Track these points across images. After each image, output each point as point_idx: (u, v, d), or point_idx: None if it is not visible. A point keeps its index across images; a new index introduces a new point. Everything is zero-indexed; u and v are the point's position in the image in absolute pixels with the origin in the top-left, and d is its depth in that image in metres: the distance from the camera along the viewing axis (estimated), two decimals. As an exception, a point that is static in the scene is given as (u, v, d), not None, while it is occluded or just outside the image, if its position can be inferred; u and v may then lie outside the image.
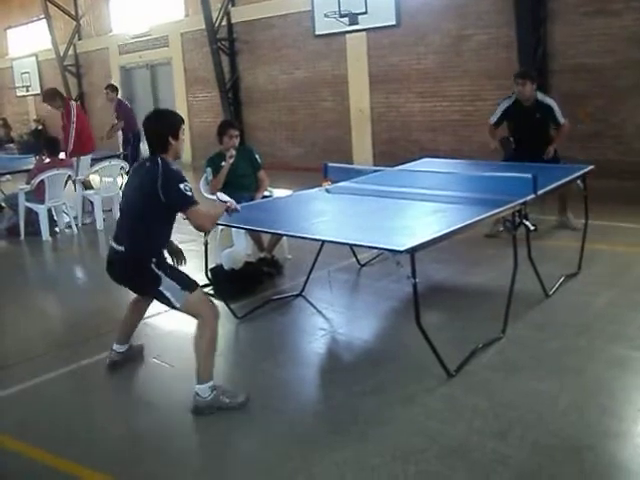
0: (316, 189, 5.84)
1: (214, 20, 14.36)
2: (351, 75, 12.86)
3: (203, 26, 14.49)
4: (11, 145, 18.58)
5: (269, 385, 4.10)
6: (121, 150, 11.79)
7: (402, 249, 3.65)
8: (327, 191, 5.73)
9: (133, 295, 4.33)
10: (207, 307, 3.86)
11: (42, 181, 8.50)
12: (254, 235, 6.32)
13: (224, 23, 14.64)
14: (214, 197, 6.43)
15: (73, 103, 9.76)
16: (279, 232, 5.14)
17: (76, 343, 4.96)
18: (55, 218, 9.07)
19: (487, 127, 7.36)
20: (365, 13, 12.12)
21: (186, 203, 3.78)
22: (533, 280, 5.13)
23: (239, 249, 6.22)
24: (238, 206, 4.28)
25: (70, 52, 19.54)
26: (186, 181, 3.81)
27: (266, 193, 6.72)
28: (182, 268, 4.15)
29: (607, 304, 5.09)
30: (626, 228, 7.21)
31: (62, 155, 9.32)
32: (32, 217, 8.64)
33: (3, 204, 9.92)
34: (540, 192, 4.78)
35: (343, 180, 5.96)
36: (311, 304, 5.53)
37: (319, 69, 13.41)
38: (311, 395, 4.10)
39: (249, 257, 6.27)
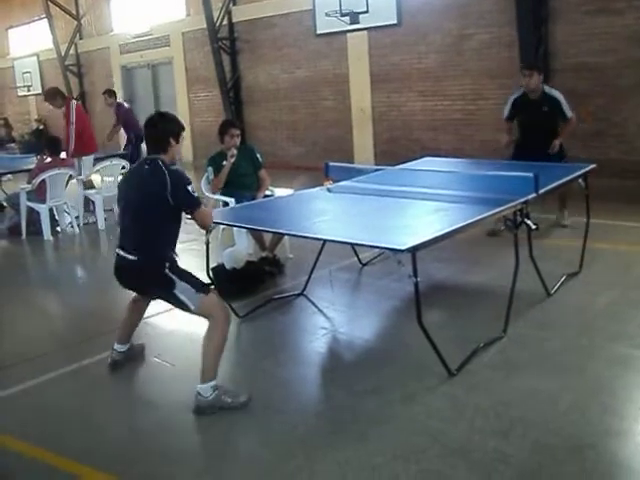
0: (317, 188, 5.84)
1: (215, 19, 14.36)
2: (352, 74, 12.85)
3: (204, 25, 14.50)
4: (12, 145, 18.61)
5: (270, 384, 4.10)
6: (122, 150, 11.79)
7: (403, 248, 3.65)
8: (328, 190, 5.74)
9: (133, 295, 4.34)
10: (220, 309, 3.87)
11: (43, 181, 8.50)
12: (256, 234, 6.32)
13: (225, 22, 14.65)
14: (215, 196, 6.49)
15: (73, 103, 9.73)
16: (280, 231, 5.14)
17: (77, 343, 4.97)
18: (56, 218, 9.08)
19: (502, 123, 7.46)
20: (366, 12, 12.12)
21: (194, 204, 3.87)
22: (534, 279, 5.13)
23: (241, 248, 6.22)
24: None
25: (71, 52, 19.54)
26: (191, 182, 3.87)
27: (267, 192, 6.73)
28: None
29: (608, 303, 5.08)
30: (628, 227, 7.20)
31: (63, 155, 9.33)
32: (34, 217, 8.65)
33: (5, 204, 9.93)
34: (541, 191, 4.78)
35: (344, 179, 5.96)
36: (312, 303, 5.53)
37: (320, 68, 13.40)
38: (312, 394, 4.10)
39: (251, 256, 6.27)
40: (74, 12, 19.32)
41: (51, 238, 8.59)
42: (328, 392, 4.08)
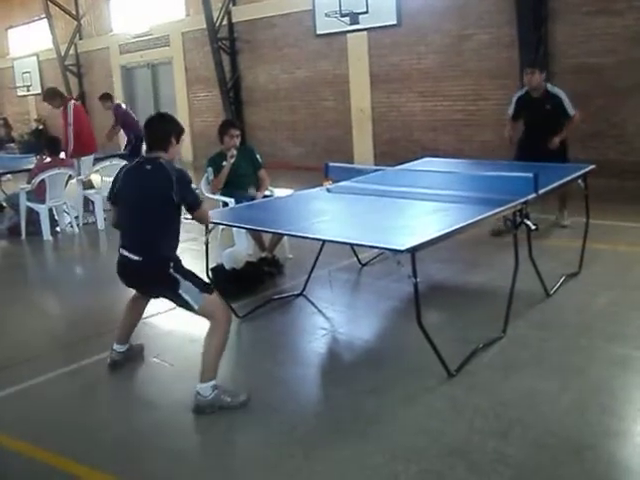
0: (317, 188, 5.84)
1: (215, 19, 14.36)
2: (352, 75, 12.86)
3: (204, 25, 14.50)
4: (12, 145, 18.61)
5: (270, 384, 4.10)
6: (122, 150, 11.77)
7: (403, 248, 3.65)
8: (328, 191, 5.74)
9: (132, 295, 4.34)
10: (222, 310, 3.89)
11: (43, 181, 8.50)
12: (255, 235, 6.32)
13: (225, 22, 14.64)
14: (215, 197, 6.49)
15: (71, 104, 9.65)
16: (280, 232, 5.13)
17: (76, 343, 4.97)
18: (56, 218, 9.07)
19: (507, 122, 7.49)
20: (366, 13, 12.13)
21: (198, 203, 3.96)
22: (534, 280, 5.13)
23: (240, 249, 6.22)
24: None
25: (71, 52, 19.54)
26: (192, 181, 3.94)
27: (267, 193, 6.73)
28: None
29: (608, 304, 5.09)
30: (627, 227, 7.21)
31: (63, 155, 9.32)
32: (33, 217, 8.64)
33: (4, 204, 9.92)
34: (541, 191, 4.78)
35: (344, 180, 5.96)
36: (312, 303, 5.53)
37: (320, 69, 13.41)
38: (312, 394, 4.10)
39: (250, 257, 6.28)
40: (74, 12, 19.32)
41: (50, 238, 8.58)
42: (327, 392, 4.08)
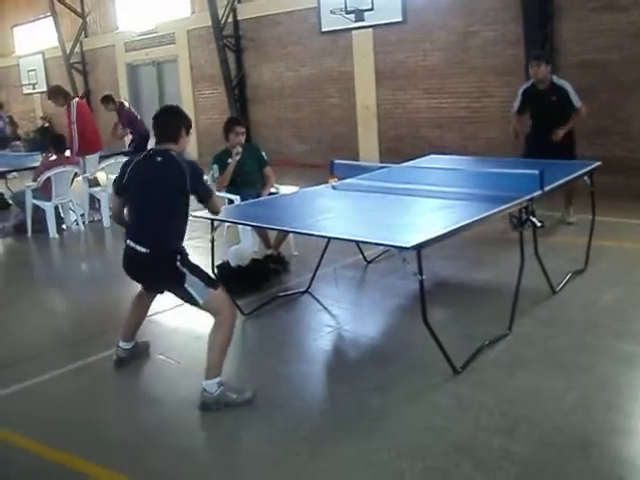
0: (322, 186, 5.84)
1: (220, 17, 14.37)
2: (357, 72, 12.84)
3: (209, 23, 14.51)
4: (17, 142, 18.62)
5: (275, 381, 4.11)
6: (127, 147, 11.73)
7: (408, 246, 3.64)
8: (333, 188, 5.74)
9: (137, 292, 4.35)
10: (228, 306, 3.89)
11: (49, 178, 8.52)
12: (261, 232, 6.32)
13: (230, 20, 14.64)
14: (221, 194, 6.49)
15: (74, 102, 9.64)
16: (285, 229, 5.14)
17: (82, 340, 4.98)
18: (62, 215, 9.09)
19: (512, 118, 7.47)
20: (371, 10, 12.12)
21: (209, 194, 4.07)
22: (540, 277, 5.13)
23: (246, 246, 6.22)
24: None
25: (76, 50, 19.57)
26: (203, 172, 4.03)
27: (272, 190, 6.73)
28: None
29: (614, 300, 5.08)
30: (633, 224, 7.19)
31: (68, 152, 9.33)
32: (39, 214, 8.65)
33: (10, 201, 9.96)
34: (547, 188, 4.77)
35: (349, 177, 5.95)
36: (317, 301, 5.53)
37: (325, 66, 13.40)
38: (317, 392, 4.11)
39: (256, 254, 6.28)
40: (79, 10, 19.34)
41: (56, 236, 8.61)
42: (333, 390, 4.08)
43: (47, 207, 8.55)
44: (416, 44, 11.81)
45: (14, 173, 10.85)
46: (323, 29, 12.97)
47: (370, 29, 12.36)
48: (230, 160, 6.42)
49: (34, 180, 8.66)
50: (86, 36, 19.57)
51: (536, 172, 4.70)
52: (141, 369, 4.46)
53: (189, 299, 3.84)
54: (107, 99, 11.24)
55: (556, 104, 6.95)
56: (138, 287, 4.30)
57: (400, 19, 11.81)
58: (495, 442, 3.25)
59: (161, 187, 3.84)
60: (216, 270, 5.25)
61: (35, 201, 8.61)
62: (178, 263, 3.79)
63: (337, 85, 13.29)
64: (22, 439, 3.58)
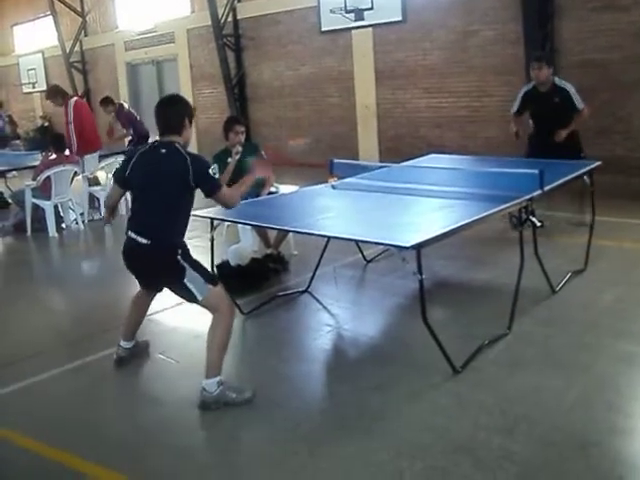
0: (322, 185, 5.84)
1: (220, 16, 14.36)
2: (357, 71, 12.84)
3: (209, 22, 14.50)
4: (17, 142, 18.60)
5: (275, 381, 4.10)
6: (126, 146, 11.71)
7: (408, 245, 3.64)
8: (333, 187, 5.73)
9: (136, 291, 4.34)
10: (226, 303, 3.87)
11: (48, 177, 8.51)
12: (260, 231, 6.32)
13: (230, 19, 14.63)
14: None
15: (72, 101, 9.60)
16: (285, 228, 5.13)
17: (81, 339, 4.98)
18: (61, 214, 9.09)
19: (510, 118, 7.43)
20: (371, 9, 12.12)
21: (216, 187, 3.88)
22: (539, 276, 5.12)
23: (245, 245, 6.22)
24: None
25: (76, 49, 19.56)
26: (210, 165, 3.90)
27: (272, 189, 6.72)
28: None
29: (614, 300, 5.07)
30: (633, 224, 7.19)
31: (68, 152, 9.32)
32: (39, 213, 8.66)
33: (10, 200, 9.95)
34: (546, 188, 4.77)
35: (349, 176, 5.95)
36: (317, 300, 5.53)
37: (325, 65, 13.40)
38: (317, 391, 4.10)
39: (255, 253, 6.28)
40: (79, 9, 19.33)
41: (56, 235, 8.61)
42: (332, 389, 4.08)
43: (47, 206, 8.55)
44: (416, 43, 11.80)
45: (14, 172, 10.83)
46: (323, 28, 12.96)
47: (370, 28, 12.35)
48: (230, 159, 6.41)
49: (34, 179, 8.66)
50: (86, 35, 19.56)
51: (536, 172, 4.70)
52: (141, 368, 4.45)
53: (188, 295, 3.82)
54: (106, 101, 11.18)
55: (558, 106, 6.91)
56: (137, 286, 4.29)
57: (400, 18, 11.80)
58: (495, 441, 3.25)
59: (164, 179, 3.79)
60: (215, 269, 5.25)
61: (35, 200, 8.60)
62: (179, 257, 3.76)
63: (337, 84, 13.28)
64: (21, 438, 3.58)
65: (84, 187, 9.43)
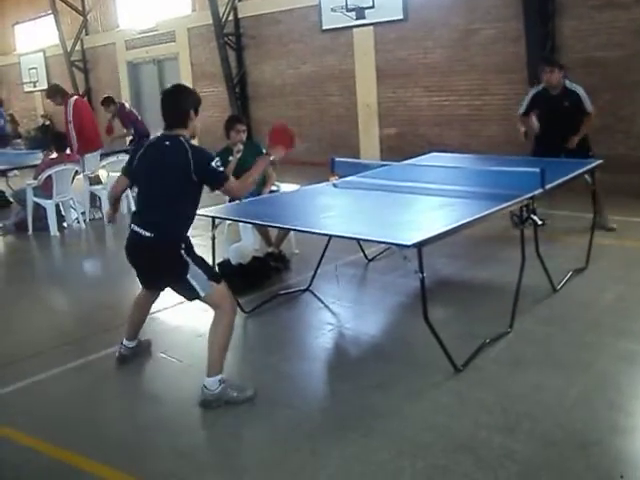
0: (323, 184, 5.84)
1: (221, 15, 14.35)
2: (358, 70, 12.82)
3: (210, 21, 14.49)
4: (18, 141, 18.61)
5: (276, 379, 4.11)
6: (127, 145, 11.70)
7: (409, 244, 3.64)
8: (334, 186, 5.73)
9: (139, 291, 4.34)
10: (229, 300, 3.86)
11: (50, 176, 8.52)
12: (262, 230, 6.32)
13: (231, 18, 14.61)
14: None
15: (71, 101, 9.55)
16: (286, 227, 5.14)
17: (83, 338, 4.98)
18: (63, 213, 9.09)
19: (517, 119, 7.39)
20: (372, 7, 12.09)
21: (220, 180, 3.85)
22: (541, 275, 5.12)
23: (247, 244, 6.22)
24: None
25: (77, 47, 19.55)
26: (214, 157, 3.82)
27: (273, 188, 6.72)
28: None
29: (615, 299, 5.07)
30: (635, 223, 7.18)
31: (69, 150, 9.33)
32: (40, 212, 8.66)
33: (11, 199, 9.96)
34: (548, 186, 4.77)
35: (350, 175, 5.95)
36: (318, 299, 5.53)
37: (326, 64, 13.38)
38: (318, 390, 4.11)
39: (257, 252, 6.28)
40: (80, 8, 19.31)
41: (57, 234, 8.61)
42: (334, 387, 4.08)
43: (48, 205, 8.56)
44: (417, 42, 11.79)
45: (15, 171, 10.84)
46: (324, 27, 12.94)
47: (371, 27, 12.33)
48: (231, 158, 6.41)
49: (35, 178, 8.67)
50: (87, 34, 19.55)
51: (537, 170, 4.70)
52: (142, 367, 4.46)
53: (190, 292, 3.79)
54: (107, 101, 11.16)
55: (568, 109, 6.80)
56: (139, 285, 4.29)
57: (401, 17, 11.78)
58: (496, 440, 3.25)
59: (168, 172, 3.75)
60: (217, 268, 5.25)
61: (36, 199, 8.61)
62: (182, 251, 3.75)
63: (338, 83, 13.27)
64: (23, 437, 3.59)
65: (85, 186, 9.44)
